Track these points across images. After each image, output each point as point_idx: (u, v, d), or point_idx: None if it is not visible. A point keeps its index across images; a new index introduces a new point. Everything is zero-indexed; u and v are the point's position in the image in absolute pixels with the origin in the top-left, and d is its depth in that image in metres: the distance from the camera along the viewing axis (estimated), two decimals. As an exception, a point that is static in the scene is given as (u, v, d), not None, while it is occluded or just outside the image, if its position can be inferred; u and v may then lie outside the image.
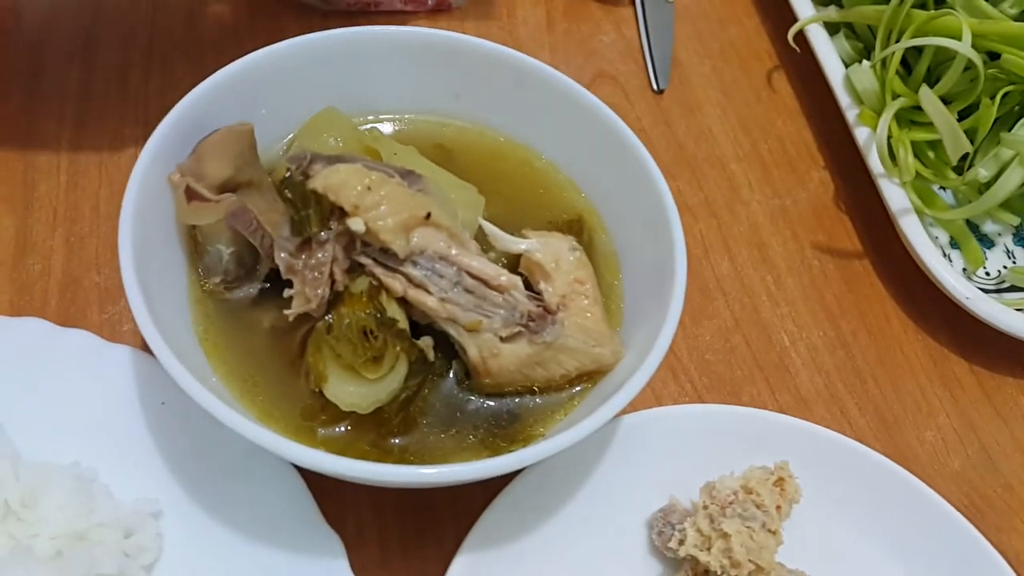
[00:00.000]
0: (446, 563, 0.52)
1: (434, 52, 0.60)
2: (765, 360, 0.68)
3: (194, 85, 0.72)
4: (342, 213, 0.46)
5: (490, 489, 0.53)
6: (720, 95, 0.84)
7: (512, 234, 0.53)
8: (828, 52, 0.81)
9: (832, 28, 0.84)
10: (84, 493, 0.50)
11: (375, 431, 0.49)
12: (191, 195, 0.49)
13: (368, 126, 0.61)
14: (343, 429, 0.49)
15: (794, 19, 0.82)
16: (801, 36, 0.81)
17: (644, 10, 0.88)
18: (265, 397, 0.50)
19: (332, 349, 0.47)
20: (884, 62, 0.77)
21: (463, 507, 0.54)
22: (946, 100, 0.76)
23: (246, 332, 0.52)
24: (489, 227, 0.52)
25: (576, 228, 0.58)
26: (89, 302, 0.63)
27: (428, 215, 0.48)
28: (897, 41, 0.76)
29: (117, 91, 0.73)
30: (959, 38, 0.71)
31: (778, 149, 0.81)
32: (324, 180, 0.45)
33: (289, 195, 0.47)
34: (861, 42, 0.83)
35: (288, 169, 0.48)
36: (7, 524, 0.50)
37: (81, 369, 0.55)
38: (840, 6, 0.84)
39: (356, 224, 0.45)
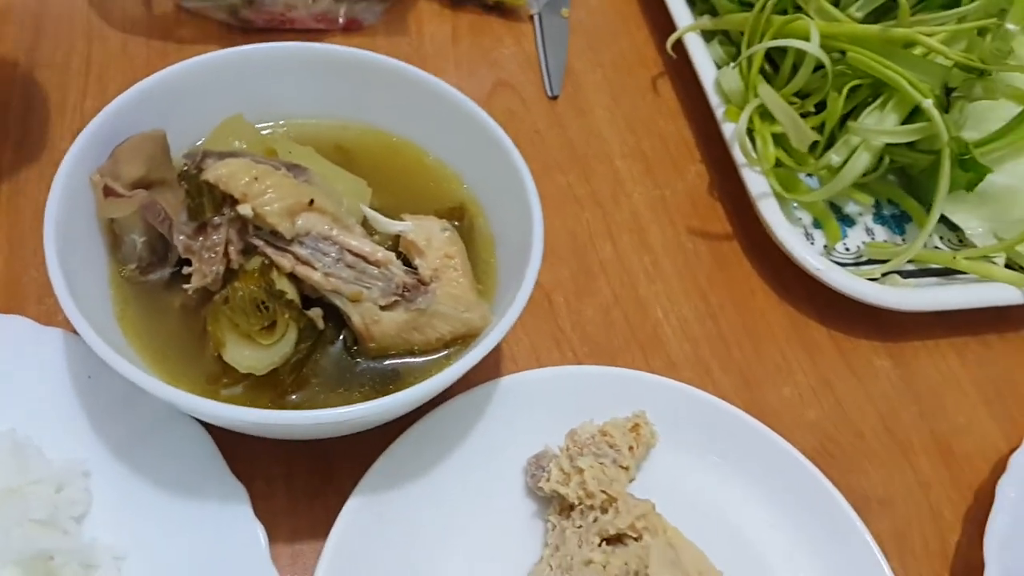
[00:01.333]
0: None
1: (334, 65, 0.69)
2: (640, 331, 0.76)
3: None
4: (233, 201, 0.54)
5: (385, 440, 0.61)
6: (609, 99, 0.93)
7: (394, 219, 0.61)
8: (703, 57, 0.90)
9: (708, 35, 0.93)
10: (19, 454, 0.57)
11: (272, 390, 0.57)
12: (108, 192, 0.57)
13: (271, 131, 0.69)
14: (242, 389, 0.57)
15: (676, 28, 0.92)
16: (680, 44, 0.91)
17: (541, 24, 0.97)
18: (175, 366, 0.58)
19: (229, 319, 0.55)
20: (749, 63, 0.86)
21: (360, 459, 0.62)
22: (803, 94, 0.86)
23: (159, 311, 0.59)
24: (370, 212, 0.60)
25: (458, 214, 0.66)
26: (27, 295, 0.70)
27: (311, 201, 0.56)
28: (761, 40, 0.86)
29: (56, 109, 0.81)
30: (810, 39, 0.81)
31: (660, 146, 0.90)
32: (215, 172, 0.53)
33: (186, 186, 0.55)
34: (734, 46, 0.93)
35: (185, 164, 0.56)
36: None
37: (19, 350, 0.63)
38: (715, 15, 0.94)
39: (244, 209, 0.53)
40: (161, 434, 0.60)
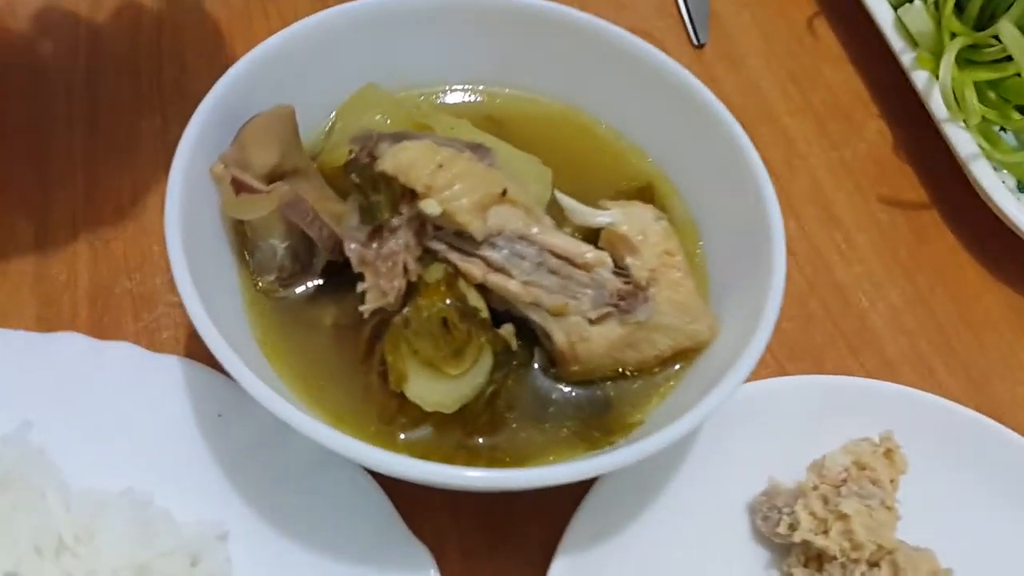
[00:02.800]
0: (538, 565, 0.48)
1: (474, 15, 0.55)
2: (845, 324, 0.64)
3: (209, 71, 0.67)
4: (412, 195, 0.42)
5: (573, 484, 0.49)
6: (763, 45, 0.79)
7: (587, 207, 0.48)
8: (876, -5, 0.76)
9: (876, -34, 0.79)
10: (142, 521, 0.46)
11: (460, 430, 0.45)
12: (239, 186, 0.45)
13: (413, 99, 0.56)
14: (426, 431, 0.45)
15: (833, -40, 0.78)
16: (842, -23, 0.77)
17: (675, -39, 0.83)
18: (335, 401, 0.46)
19: (410, 345, 0.42)
20: (936, 2, 0.72)
21: (547, 504, 0.50)
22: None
23: (307, 332, 0.47)
24: (566, 200, 0.47)
25: (647, 196, 0.54)
26: (123, 311, 0.58)
27: (504, 191, 0.43)
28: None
29: (128, 84, 0.68)
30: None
31: (830, 99, 0.77)
32: (393, 160, 0.41)
33: (356, 179, 0.42)
34: (909, -20, 0.78)
35: (351, 151, 0.43)
36: (62, 561, 0.45)
37: (125, 385, 0.50)
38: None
39: (431, 207, 0.41)
40: (314, 483, 0.48)
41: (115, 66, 0.68)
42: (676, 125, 0.54)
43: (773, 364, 0.62)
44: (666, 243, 0.47)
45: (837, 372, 0.60)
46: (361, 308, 0.43)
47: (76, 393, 0.50)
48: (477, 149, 0.44)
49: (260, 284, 0.48)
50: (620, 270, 0.47)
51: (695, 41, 0.78)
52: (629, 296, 0.45)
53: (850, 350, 0.63)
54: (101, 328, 0.57)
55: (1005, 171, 0.73)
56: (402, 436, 0.45)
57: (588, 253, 0.45)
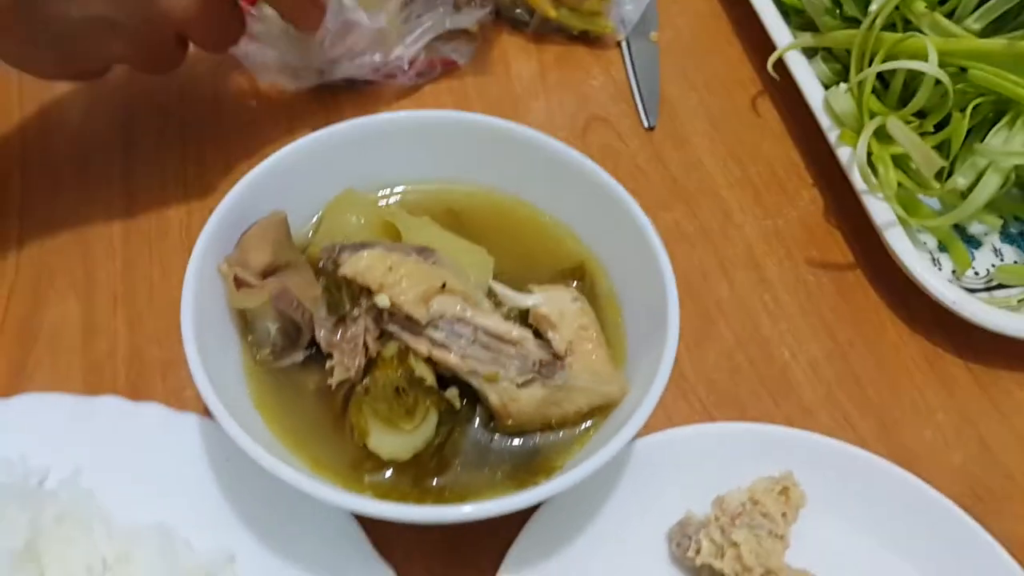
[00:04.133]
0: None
1: (442, 131, 0.67)
2: (768, 375, 0.73)
3: (224, 166, 0.81)
4: (369, 292, 0.53)
5: (523, 511, 0.60)
6: (708, 126, 0.89)
7: (520, 289, 0.59)
8: (807, 77, 0.86)
9: (810, 51, 0.89)
10: (168, 547, 0.58)
11: (414, 473, 0.56)
12: (239, 283, 0.57)
13: (384, 199, 0.69)
14: (387, 475, 0.56)
15: (773, 45, 0.88)
16: (781, 63, 0.87)
17: (630, 51, 0.94)
18: (316, 450, 0.57)
19: (371, 407, 0.54)
20: (860, 84, 0.82)
21: (499, 529, 0.60)
22: (922, 114, 0.81)
23: (295, 395, 0.59)
24: (498, 288, 0.58)
25: (579, 273, 0.65)
26: (153, 373, 0.70)
27: (443, 285, 0.54)
28: (870, 63, 0.82)
29: (157, 178, 0.81)
30: (927, 58, 0.76)
31: (767, 172, 0.86)
32: (352, 266, 0.52)
33: (324, 282, 0.54)
34: (839, 62, 0.88)
35: (321, 260, 0.56)
36: (106, 577, 0.58)
37: (155, 438, 0.63)
38: (816, 30, 0.89)
39: (382, 300, 0.52)
40: (302, 514, 0.60)
41: (145, 162, 0.82)
42: (600, 216, 0.65)
43: (702, 411, 0.71)
44: (581, 319, 0.57)
45: (759, 419, 0.69)
46: (329, 381, 0.54)
47: (117, 445, 0.63)
48: (422, 251, 0.56)
49: (257, 357, 0.60)
50: (544, 342, 0.58)
51: (645, 124, 0.89)
52: (549, 364, 0.56)
53: (771, 398, 0.72)
54: (136, 389, 0.69)
55: (928, 232, 0.82)
56: (367, 479, 0.56)
57: (514, 331, 0.56)
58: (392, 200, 0.69)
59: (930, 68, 0.75)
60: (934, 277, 0.74)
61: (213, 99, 0.87)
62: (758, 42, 0.93)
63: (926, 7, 0.80)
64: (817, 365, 0.74)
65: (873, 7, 0.81)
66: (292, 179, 0.64)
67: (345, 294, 0.53)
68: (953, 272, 0.79)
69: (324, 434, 0.58)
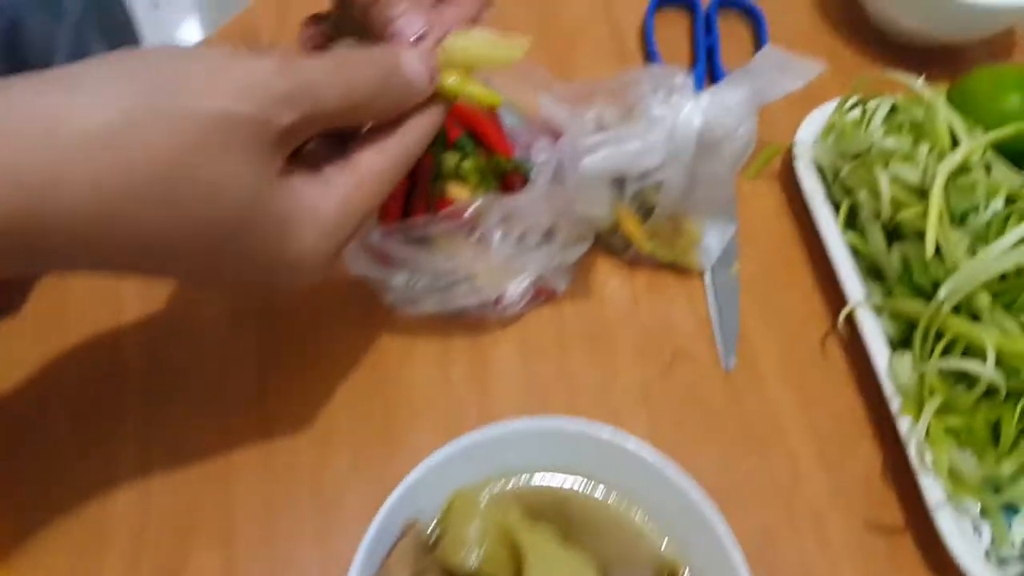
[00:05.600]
0: None
1: (560, 436, 0.78)
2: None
3: (349, 399, 0.91)
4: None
5: None
6: (780, 367, 0.98)
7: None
8: (874, 334, 0.94)
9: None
10: None
11: None
12: (391, 602, 0.68)
13: (497, 489, 0.79)
14: None
15: (840, 287, 0.96)
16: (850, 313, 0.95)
17: (713, 283, 1.02)
18: None
19: None
20: (923, 356, 0.90)
21: None
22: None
23: None
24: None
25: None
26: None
27: None
28: (936, 337, 0.90)
29: (287, 411, 0.92)
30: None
31: (833, 421, 0.95)
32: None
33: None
34: (906, 321, 0.96)
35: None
36: None
37: None
38: (884, 281, 0.97)
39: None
40: None
41: (278, 391, 0.93)
42: (689, 526, 0.75)
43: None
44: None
45: None
46: None
47: None
48: None
49: (402, 652, 0.71)
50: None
51: (724, 366, 0.98)
52: None
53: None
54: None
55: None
56: None
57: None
58: (504, 488, 0.80)
59: (987, 372, 0.84)
60: (976, 562, 0.83)
61: (343, 321, 0.97)
62: (829, 276, 1.01)
63: (990, 302, 0.88)
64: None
65: (941, 293, 0.89)
66: (421, 488, 0.75)
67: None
68: (992, 541, 0.88)
69: None
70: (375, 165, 0.57)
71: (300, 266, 0.53)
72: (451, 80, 0.61)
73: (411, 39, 0.58)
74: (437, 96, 0.62)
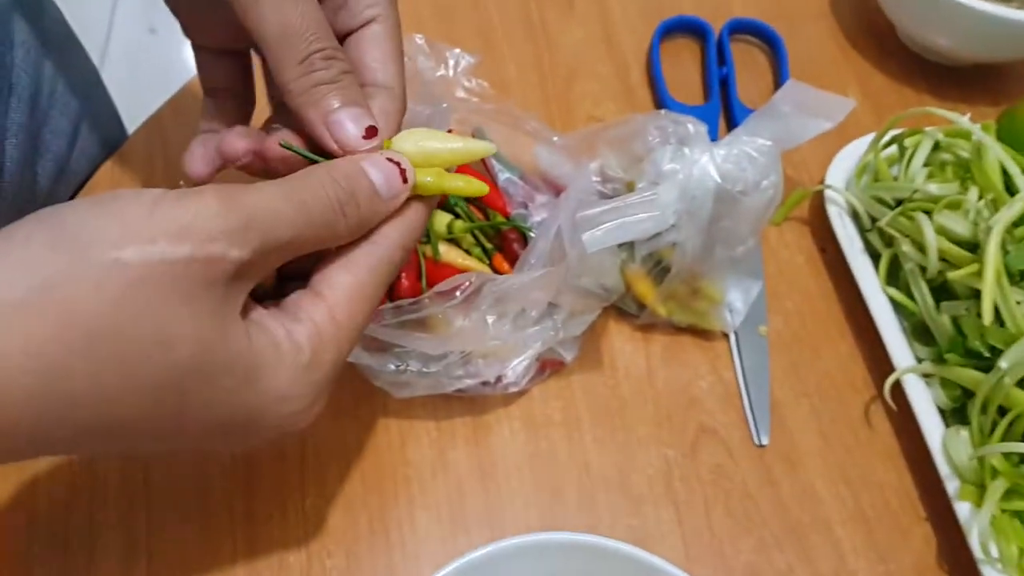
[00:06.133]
0: None
1: (563, 549, 0.68)
2: None
3: (342, 494, 0.82)
4: None
5: None
6: (820, 440, 0.88)
7: None
8: (925, 405, 0.84)
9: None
10: None
11: None
12: None
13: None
14: None
15: (883, 346, 0.86)
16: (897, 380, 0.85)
17: (739, 346, 0.92)
18: None
19: None
20: (983, 434, 0.80)
21: None
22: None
23: None
24: None
25: None
26: None
27: None
28: (998, 411, 0.79)
29: (278, 512, 0.83)
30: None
31: (880, 501, 0.85)
32: None
33: None
34: (959, 389, 0.85)
35: None
36: None
37: None
38: (932, 344, 0.86)
39: None
40: None
41: (266, 495, 0.84)
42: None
43: None
44: None
45: None
46: None
47: None
48: None
49: None
50: None
51: (756, 441, 0.88)
52: None
53: None
54: None
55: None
56: None
57: None
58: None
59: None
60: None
61: (334, 410, 0.89)
62: (870, 336, 0.90)
63: (1058, 371, 0.77)
64: None
65: (1003, 364, 0.78)
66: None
67: None
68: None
69: None
70: (349, 285, 0.50)
71: (281, 409, 0.48)
72: (427, 180, 0.52)
73: (360, 137, 0.49)
74: (412, 198, 0.53)
